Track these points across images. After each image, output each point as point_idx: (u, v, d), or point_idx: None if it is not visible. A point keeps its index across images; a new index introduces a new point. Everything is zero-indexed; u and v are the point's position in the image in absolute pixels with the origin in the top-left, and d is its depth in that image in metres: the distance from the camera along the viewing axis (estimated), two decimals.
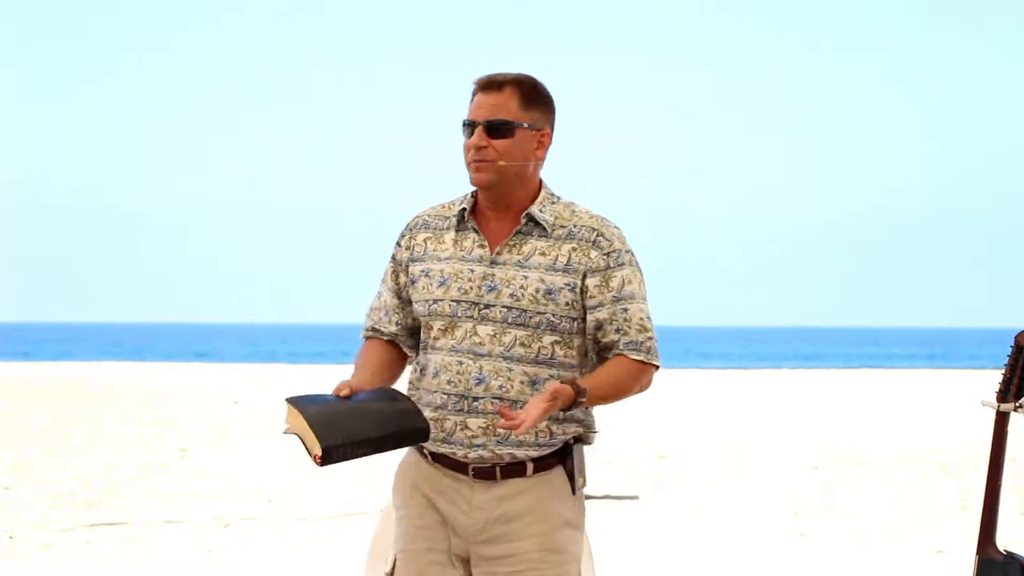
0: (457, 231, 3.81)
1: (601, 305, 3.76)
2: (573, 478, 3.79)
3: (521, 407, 3.70)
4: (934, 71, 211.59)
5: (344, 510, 11.96)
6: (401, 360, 3.92)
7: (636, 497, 13.07)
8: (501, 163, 3.74)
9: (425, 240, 3.85)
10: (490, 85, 3.78)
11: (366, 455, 3.63)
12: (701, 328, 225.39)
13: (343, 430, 3.60)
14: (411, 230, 3.89)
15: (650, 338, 3.80)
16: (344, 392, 3.69)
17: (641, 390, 3.82)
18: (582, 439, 3.85)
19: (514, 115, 3.76)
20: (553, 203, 3.82)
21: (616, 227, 3.83)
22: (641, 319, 3.79)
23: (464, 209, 3.82)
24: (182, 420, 21.36)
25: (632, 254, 3.82)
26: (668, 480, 14.38)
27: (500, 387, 3.73)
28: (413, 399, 3.78)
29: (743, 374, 42.80)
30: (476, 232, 3.80)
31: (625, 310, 3.77)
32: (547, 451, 3.78)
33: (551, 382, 3.67)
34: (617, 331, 3.77)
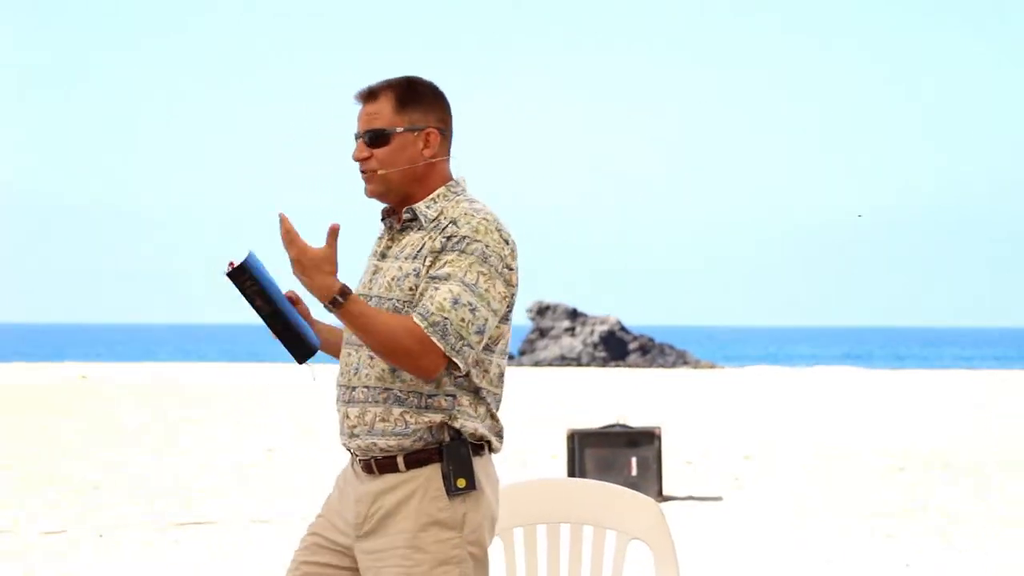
0: (384, 231, 3.94)
1: (422, 285, 3.78)
2: (448, 478, 3.78)
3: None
4: (939, 70, 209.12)
5: None
6: None
7: (720, 498, 13.03)
8: (381, 172, 3.81)
9: (373, 247, 4.00)
10: (366, 95, 3.87)
11: (257, 311, 3.78)
12: (769, 328, 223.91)
13: (263, 279, 3.77)
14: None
15: (445, 318, 3.70)
16: (288, 294, 3.92)
17: (418, 369, 3.71)
18: (464, 440, 3.81)
19: (389, 121, 3.82)
20: (447, 199, 3.85)
21: (483, 218, 3.79)
22: (444, 298, 3.71)
23: (384, 210, 3.93)
24: (269, 420, 21.54)
25: (481, 244, 3.74)
26: (752, 481, 14.32)
27: (367, 375, 3.83)
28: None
29: (818, 372, 42.48)
30: (388, 228, 3.91)
31: (436, 288, 3.74)
32: (419, 446, 3.79)
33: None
34: (418, 304, 3.74)
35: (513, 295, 3.84)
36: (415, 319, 3.71)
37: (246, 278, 3.75)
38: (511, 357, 54.23)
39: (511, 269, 3.81)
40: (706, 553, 9.90)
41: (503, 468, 14.61)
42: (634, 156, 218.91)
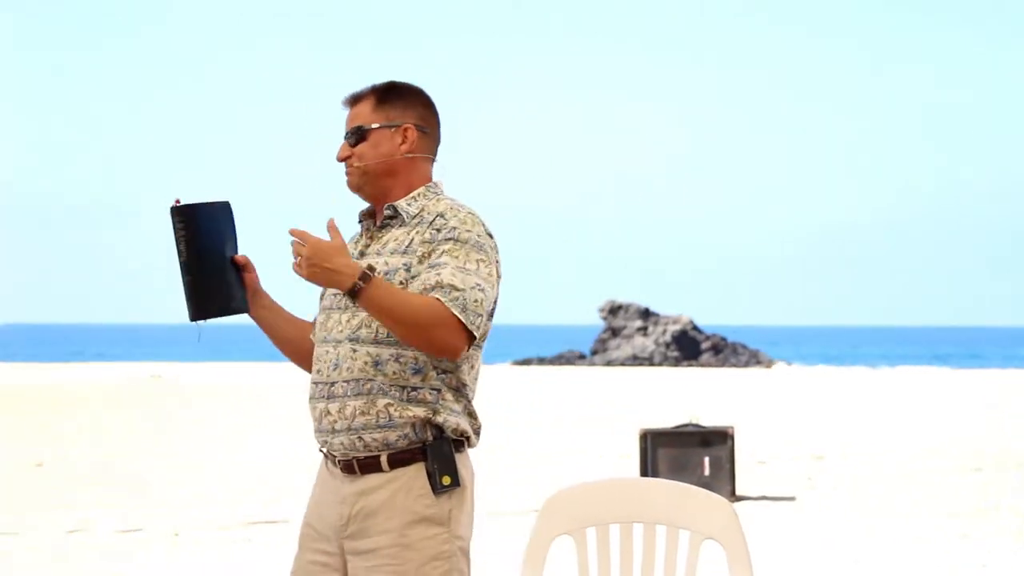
0: (359, 234, 4.01)
1: (418, 275, 3.81)
2: (433, 476, 3.82)
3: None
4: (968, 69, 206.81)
5: (498, 510, 12.03)
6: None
7: (793, 498, 12.96)
8: (356, 164, 3.91)
9: (349, 249, 4.00)
10: (350, 100, 3.99)
11: (178, 256, 3.84)
12: (842, 327, 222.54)
13: (198, 227, 3.85)
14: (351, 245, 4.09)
15: (460, 292, 3.74)
16: (240, 259, 3.97)
17: (444, 346, 3.74)
18: (447, 437, 3.84)
19: (367, 119, 3.93)
20: (428, 198, 3.92)
21: (468, 213, 3.86)
22: (453, 277, 3.75)
23: (362, 211, 4.00)
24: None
25: (473, 234, 3.81)
26: (825, 481, 14.24)
27: (348, 369, 3.84)
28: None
29: (893, 372, 42.15)
30: (366, 230, 3.97)
31: (438, 274, 3.77)
32: (403, 443, 3.81)
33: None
34: (423, 284, 3.77)
35: (498, 288, 3.90)
36: (442, 299, 3.73)
37: (180, 220, 3.82)
38: (582, 356, 54.20)
39: (498, 261, 3.90)
40: (779, 553, 9.85)
41: (576, 467, 14.58)
42: (706, 155, 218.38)
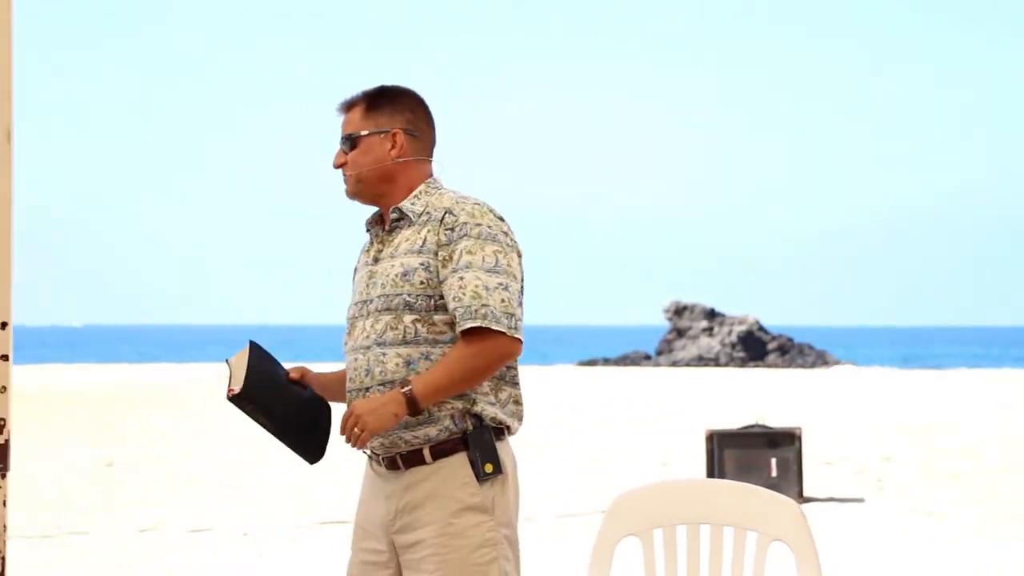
0: (370, 244, 4.08)
1: (445, 279, 3.87)
2: (476, 464, 3.87)
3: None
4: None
5: (566, 511, 12.03)
6: None
7: (861, 499, 12.89)
8: (349, 172, 4.00)
9: (360, 259, 4.12)
10: (343, 107, 4.07)
11: (263, 427, 4.00)
12: (910, 328, 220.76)
13: (263, 397, 3.97)
14: (358, 256, 4.16)
15: (484, 305, 3.80)
16: (294, 375, 4.09)
17: (500, 359, 3.82)
18: (487, 426, 3.88)
19: (357, 126, 4.02)
20: (430, 195, 3.98)
21: (474, 203, 3.92)
22: (476, 286, 3.82)
23: (367, 221, 4.09)
24: None
25: (484, 226, 3.87)
26: (894, 482, 14.15)
27: (380, 372, 3.91)
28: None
29: (961, 374, 41.81)
30: (375, 237, 4.05)
31: (461, 279, 3.84)
32: (443, 436, 3.87)
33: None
34: (454, 299, 3.84)
35: (523, 269, 3.96)
36: (463, 323, 3.81)
37: (244, 405, 3.96)
38: (647, 357, 54.08)
39: (516, 243, 3.95)
40: (848, 555, 9.80)
41: (642, 469, 14.56)
42: (768, 154, 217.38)
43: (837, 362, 51.89)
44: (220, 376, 37.08)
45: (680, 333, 53.88)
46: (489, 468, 3.88)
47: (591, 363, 53.69)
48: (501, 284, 3.85)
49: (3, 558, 4.46)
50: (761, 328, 53.42)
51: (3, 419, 4.48)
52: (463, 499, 3.87)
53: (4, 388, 4.47)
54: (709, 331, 53.29)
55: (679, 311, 54.26)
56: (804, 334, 62.28)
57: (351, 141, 4.01)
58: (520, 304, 3.90)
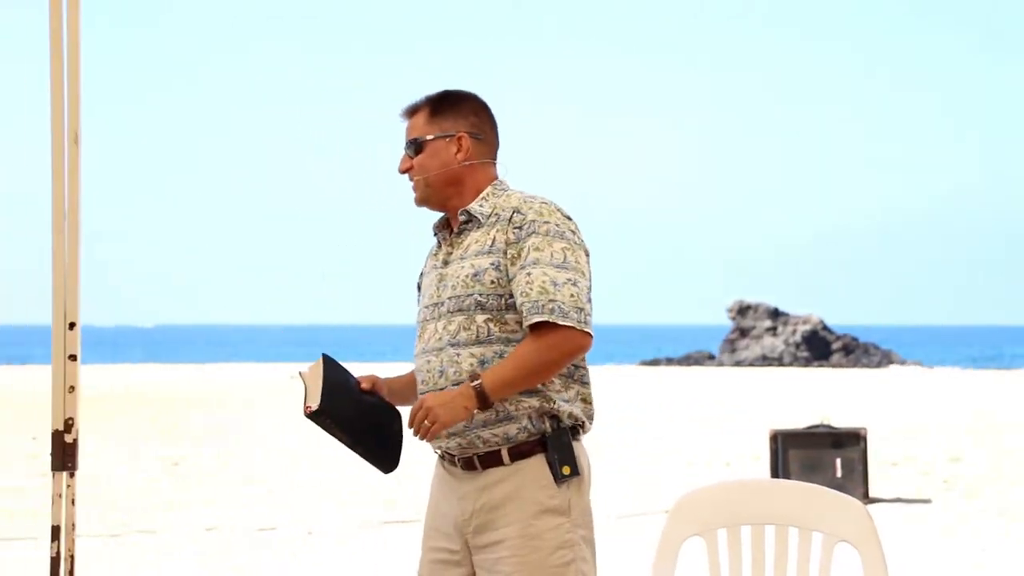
0: (438, 247, 4.09)
1: (513, 276, 3.88)
2: (554, 466, 3.88)
3: None
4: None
5: (629, 511, 12.02)
6: None
7: (928, 500, 12.79)
8: (417, 178, 4.02)
9: (427, 263, 4.14)
10: (406, 112, 4.09)
11: (339, 440, 4.04)
12: (978, 327, 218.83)
13: (340, 412, 4.00)
14: (425, 260, 4.18)
15: (552, 300, 3.81)
16: (366, 385, 4.08)
17: (569, 353, 3.83)
18: (564, 427, 3.90)
19: (422, 131, 4.03)
20: (497, 196, 4.00)
21: (541, 202, 3.93)
22: (543, 282, 3.83)
23: (434, 224, 4.11)
24: None
25: (552, 223, 3.88)
26: (961, 483, 14.03)
27: (455, 373, 3.91)
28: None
29: (1022, 374, 41.41)
30: (443, 240, 4.07)
31: (529, 275, 3.85)
32: (522, 436, 3.88)
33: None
34: (521, 295, 3.85)
35: (589, 265, 3.98)
36: (530, 318, 3.82)
37: (323, 420, 3.99)
38: (710, 356, 53.92)
39: (581, 241, 3.96)
40: (915, 556, 9.73)
41: (706, 468, 14.51)
42: (830, 152, 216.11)
43: (903, 362, 51.52)
44: (285, 376, 37.28)
45: (743, 333, 53.67)
46: (567, 470, 3.89)
47: (654, 363, 53.59)
48: (570, 280, 3.86)
49: (72, 556, 4.50)
50: (825, 327, 53.13)
51: (71, 418, 4.52)
52: (542, 501, 3.89)
53: (72, 388, 4.51)
54: (773, 331, 53.04)
55: (742, 311, 54.04)
56: (868, 333, 61.87)
57: (417, 146, 4.02)
58: (589, 300, 3.91)
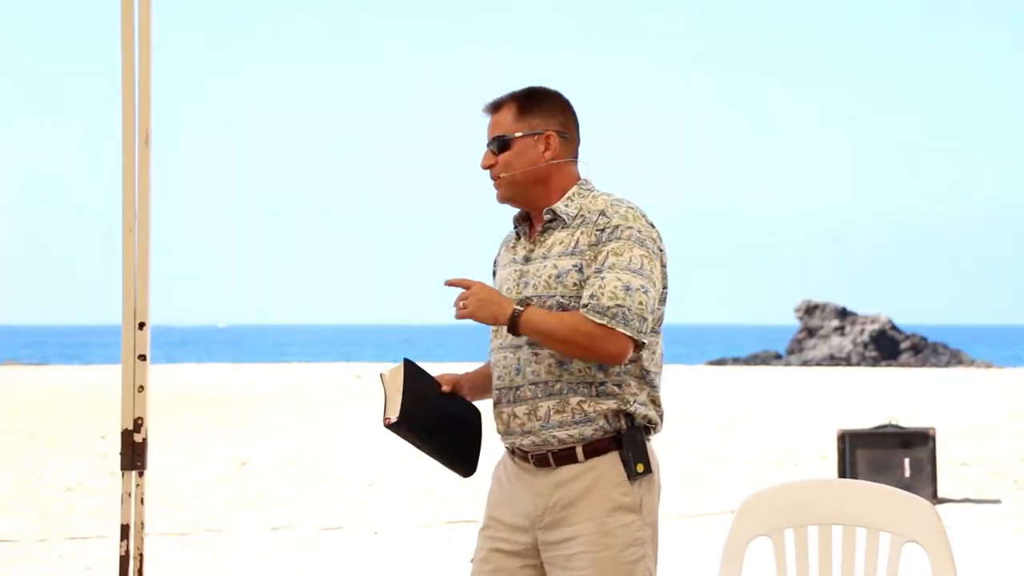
0: (516, 240, 4.10)
1: (589, 278, 3.89)
2: (628, 464, 3.90)
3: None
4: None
5: (694, 511, 11.98)
6: None
7: (998, 501, 12.68)
8: (505, 175, 4.00)
9: (503, 254, 4.15)
10: (491, 108, 4.07)
11: (419, 449, 4.06)
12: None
13: (420, 422, 4.01)
14: (498, 249, 4.21)
15: (619, 305, 3.82)
16: (446, 388, 4.10)
17: (606, 356, 3.85)
18: (638, 426, 3.92)
19: (509, 128, 4.01)
20: (583, 196, 4.01)
21: (628, 206, 3.94)
22: (615, 287, 3.84)
23: (515, 217, 4.10)
24: None
25: (634, 229, 3.89)
26: None
27: (532, 372, 3.94)
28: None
29: None
30: (524, 236, 4.06)
31: (603, 278, 3.86)
32: (597, 435, 3.89)
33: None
34: (591, 296, 3.86)
35: (667, 276, 3.99)
36: (588, 315, 3.83)
37: (399, 432, 4.02)
38: (778, 356, 53.65)
39: (662, 251, 3.97)
40: (984, 557, 9.64)
41: (773, 468, 14.38)
42: (902, 152, 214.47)
43: (972, 362, 51.05)
44: (351, 376, 37.42)
45: (811, 332, 53.36)
46: (640, 468, 3.93)
47: (720, 362, 53.38)
48: (642, 287, 3.87)
49: (141, 555, 4.54)
50: (894, 327, 52.74)
51: (140, 418, 4.56)
52: (616, 498, 3.91)
53: (141, 388, 4.55)
54: (840, 330, 52.72)
55: (810, 310, 53.74)
56: (937, 333, 61.34)
57: (503, 143, 4.01)
58: (654, 310, 3.91)
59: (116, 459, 4.50)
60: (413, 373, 4.05)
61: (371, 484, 13.82)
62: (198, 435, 19.34)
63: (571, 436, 3.91)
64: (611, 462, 3.92)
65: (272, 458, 16.46)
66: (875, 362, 50.62)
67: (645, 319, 3.87)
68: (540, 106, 4.03)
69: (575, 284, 3.91)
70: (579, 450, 3.92)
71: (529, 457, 3.99)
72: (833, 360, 51.19)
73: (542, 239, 4.01)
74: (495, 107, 4.05)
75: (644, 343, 3.89)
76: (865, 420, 18.13)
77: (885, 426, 12.68)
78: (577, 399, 3.90)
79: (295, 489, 13.65)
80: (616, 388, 3.91)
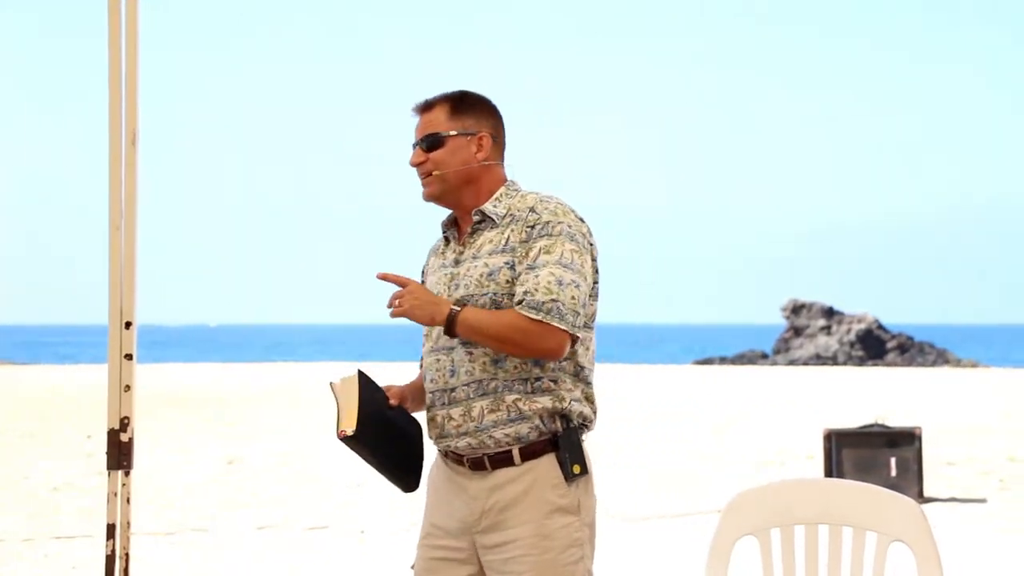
0: (445, 244, 4.12)
1: (521, 274, 3.91)
2: (565, 465, 3.91)
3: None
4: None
5: (683, 509, 11.99)
6: None
7: (984, 500, 12.71)
8: (437, 173, 4.01)
9: (431, 262, 4.17)
10: (422, 107, 4.09)
11: (366, 461, 4.04)
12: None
13: (374, 436, 4.00)
14: (426, 258, 4.23)
15: (554, 300, 3.84)
16: (394, 401, 4.09)
17: (543, 351, 3.86)
18: (574, 426, 3.93)
19: (443, 126, 4.03)
20: (511, 197, 4.03)
21: (556, 203, 3.97)
22: (548, 282, 3.86)
23: (443, 223, 4.12)
24: None
25: (564, 224, 3.91)
26: (1018, 483, 13.92)
27: (467, 372, 3.94)
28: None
29: None
30: (452, 239, 4.09)
31: (535, 274, 3.88)
32: (533, 436, 3.90)
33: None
34: (525, 292, 3.87)
35: (598, 271, 4.01)
36: (525, 311, 3.85)
37: (351, 446, 4.01)
38: (764, 355, 53.71)
39: (592, 245, 4.00)
40: (970, 556, 9.67)
41: (759, 467, 14.39)
42: (890, 153, 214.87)
43: (958, 361, 51.16)
44: (344, 374, 37.41)
45: (797, 331, 53.43)
46: (577, 469, 3.92)
47: (707, 362, 53.44)
48: (574, 281, 3.89)
49: (127, 554, 4.54)
50: (880, 326, 52.83)
51: (127, 417, 4.56)
52: (554, 500, 3.91)
53: (128, 387, 4.55)
54: (827, 329, 52.79)
55: (796, 310, 53.81)
56: (924, 332, 61.46)
57: (436, 140, 4.03)
58: (585, 304, 3.93)
59: (103, 458, 4.49)
60: (367, 385, 4.04)
61: (359, 484, 13.81)
62: (188, 435, 19.32)
63: (507, 436, 3.90)
64: (548, 464, 3.92)
65: (260, 457, 16.45)
66: (861, 361, 50.70)
67: (578, 313, 3.89)
68: (473, 108, 4.06)
69: (507, 281, 3.92)
70: (515, 452, 3.91)
71: (464, 461, 3.98)
72: (819, 359, 51.27)
73: (471, 240, 4.02)
74: (427, 106, 4.07)
75: (579, 337, 3.91)
76: (851, 420, 18.16)
77: (871, 425, 12.70)
78: (512, 397, 3.90)
79: (283, 489, 13.64)
80: (552, 384, 3.91)
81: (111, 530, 4.52)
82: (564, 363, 3.93)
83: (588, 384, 4.00)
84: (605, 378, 36.42)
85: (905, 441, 12.43)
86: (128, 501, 4.53)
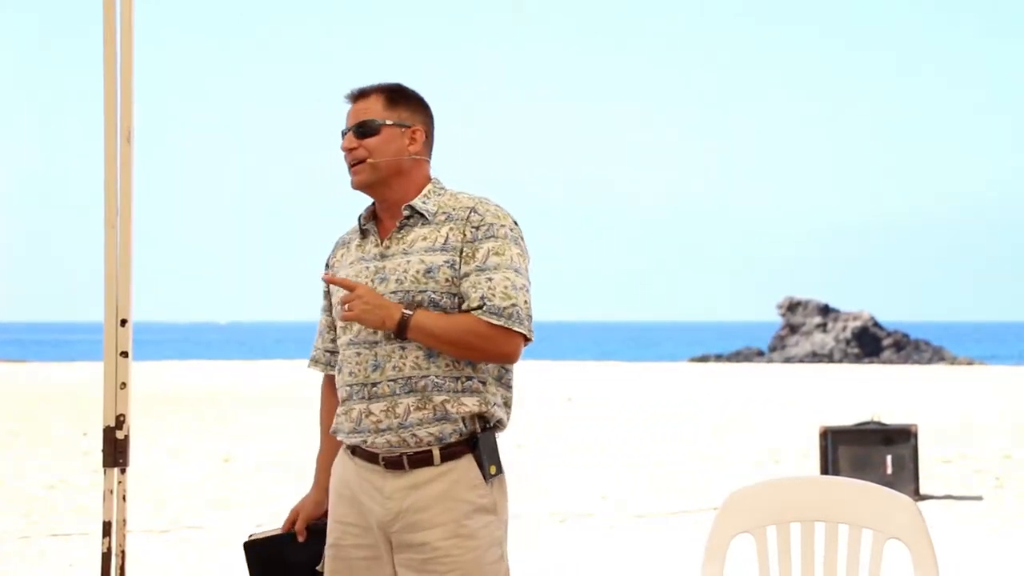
0: (361, 237, 4.06)
1: (466, 276, 3.90)
2: (483, 466, 3.91)
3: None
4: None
5: (679, 507, 11.99)
6: None
7: (980, 497, 12.72)
8: (371, 160, 3.98)
9: (340, 255, 4.12)
10: (357, 95, 4.05)
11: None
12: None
13: (262, 566, 4.23)
14: (332, 250, 4.18)
15: (513, 304, 3.87)
16: (300, 530, 4.19)
17: (500, 356, 3.88)
18: (492, 427, 3.94)
19: (379, 115, 4.01)
20: (439, 194, 4.02)
21: (495, 205, 3.98)
22: (505, 286, 3.88)
23: (361, 216, 4.08)
24: (516, 417, 21.75)
25: (507, 228, 3.94)
26: (1014, 480, 13.93)
27: (394, 367, 3.90)
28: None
29: None
30: (373, 233, 4.04)
31: (490, 279, 3.88)
32: (455, 437, 3.88)
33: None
34: (481, 298, 3.87)
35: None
36: (484, 318, 3.85)
37: (250, 562, 4.15)
38: (760, 353, 53.77)
39: (526, 249, 4.02)
40: (966, 553, 9.67)
41: (755, 465, 14.39)
42: (888, 153, 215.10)
43: (954, 358, 51.20)
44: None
45: (793, 329, 53.47)
46: (493, 469, 3.93)
47: (703, 359, 53.46)
48: (524, 286, 3.92)
49: (123, 552, 4.53)
50: (876, 324, 52.87)
51: (122, 415, 4.55)
52: (474, 500, 3.90)
53: (124, 384, 4.54)
54: (823, 327, 52.83)
55: (792, 307, 53.85)
56: (920, 330, 61.49)
57: (372, 127, 4.00)
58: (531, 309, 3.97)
59: (98, 456, 4.48)
60: (257, 557, 4.19)
61: None
62: (181, 432, 19.31)
63: (430, 435, 3.88)
64: (467, 464, 3.90)
65: (256, 455, 16.45)
66: (857, 359, 50.74)
67: (531, 316, 3.92)
68: (409, 102, 4.05)
69: (447, 280, 3.90)
70: (436, 452, 3.89)
71: (379, 459, 3.94)
72: (815, 357, 51.31)
73: (399, 235, 3.98)
74: (362, 94, 4.05)
75: (532, 340, 3.92)
76: (847, 417, 18.17)
77: (867, 423, 12.70)
78: (441, 398, 3.87)
79: (279, 487, 13.64)
80: (480, 386, 3.90)
81: (107, 527, 4.51)
82: (490, 366, 3.93)
83: (508, 388, 3.99)
84: (603, 376, 36.46)
85: (901, 439, 12.44)
86: (124, 498, 4.52)
